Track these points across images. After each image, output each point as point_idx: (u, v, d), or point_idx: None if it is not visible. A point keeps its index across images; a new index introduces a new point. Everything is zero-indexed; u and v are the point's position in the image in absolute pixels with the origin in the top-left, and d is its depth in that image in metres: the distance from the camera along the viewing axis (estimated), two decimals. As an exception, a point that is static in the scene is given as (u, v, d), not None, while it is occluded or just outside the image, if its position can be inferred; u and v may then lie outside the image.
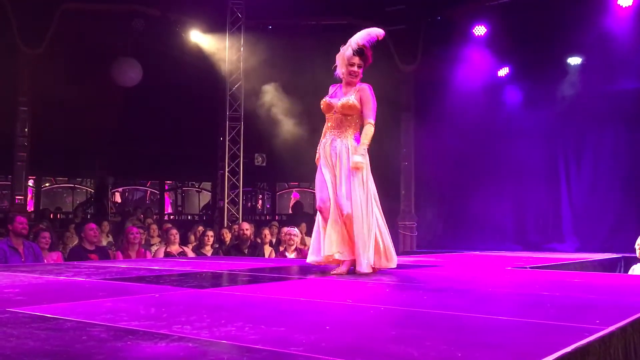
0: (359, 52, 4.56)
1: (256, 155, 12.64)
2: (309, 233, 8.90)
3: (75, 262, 6.11)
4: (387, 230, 4.70)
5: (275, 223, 11.74)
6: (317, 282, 4.19)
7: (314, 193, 4.89)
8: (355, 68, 4.57)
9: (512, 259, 7.25)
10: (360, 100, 4.57)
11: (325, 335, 2.28)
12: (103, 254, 7.23)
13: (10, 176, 11.64)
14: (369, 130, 4.57)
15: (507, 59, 11.75)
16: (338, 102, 4.59)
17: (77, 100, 11.52)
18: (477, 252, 8.96)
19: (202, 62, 12.07)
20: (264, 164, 12.76)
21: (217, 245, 8.58)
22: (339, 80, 4.72)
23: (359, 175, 4.51)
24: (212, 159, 12.85)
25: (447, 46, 11.81)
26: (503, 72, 12.01)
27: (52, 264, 6.31)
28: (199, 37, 12.08)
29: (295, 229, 8.28)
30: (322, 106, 4.68)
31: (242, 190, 12.37)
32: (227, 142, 11.99)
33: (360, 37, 4.58)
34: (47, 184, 19.38)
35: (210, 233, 8.43)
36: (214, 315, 2.62)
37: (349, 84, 4.64)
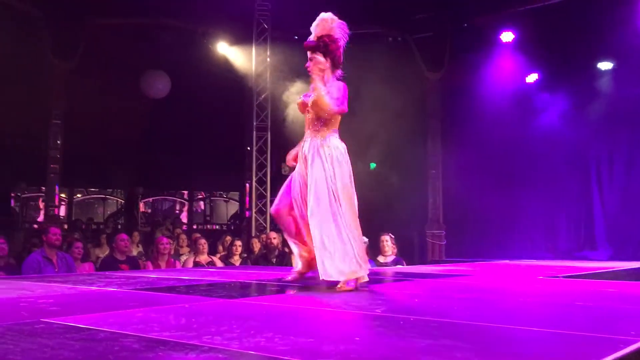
0: (306, 46, 4.33)
1: (283, 164, 12.67)
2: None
3: (106, 272, 6.19)
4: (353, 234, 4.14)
5: (303, 232, 11.72)
6: (346, 292, 4.16)
7: None
8: (309, 62, 4.29)
9: (544, 268, 7.12)
10: (329, 93, 4.18)
11: (355, 346, 2.27)
12: (133, 264, 7.33)
13: (43, 188, 11.90)
14: (327, 99, 4.14)
15: (536, 65, 11.61)
16: (309, 100, 4.28)
17: (108, 112, 11.77)
18: (508, 261, 8.83)
19: (229, 73, 12.22)
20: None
21: (245, 255, 8.62)
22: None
23: (322, 174, 4.10)
24: (240, 169, 12.96)
25: (474, 53, 11.75)
26: (532, 78, 11.87)
27: (85, 274, 6.41)
28: (225, 49, 12.24)
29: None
30: (297, 106, 4.42)
31: (270, 200, 12.42)
32: (254, 152, 12.08)
33: (313, 30, 4.34)
34: (79, 195, 19.74)
35: (238, 243, 8.50)
36: (243, 326, 2.63)
37: (317, 82, 4.26)
